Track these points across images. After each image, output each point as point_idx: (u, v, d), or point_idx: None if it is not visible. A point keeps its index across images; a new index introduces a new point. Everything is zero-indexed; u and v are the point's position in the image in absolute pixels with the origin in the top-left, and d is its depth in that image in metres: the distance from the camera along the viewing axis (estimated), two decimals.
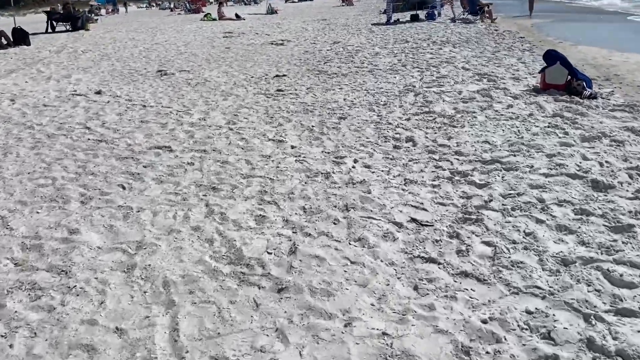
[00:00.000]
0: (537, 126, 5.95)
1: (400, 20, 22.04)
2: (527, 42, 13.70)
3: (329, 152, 5.58)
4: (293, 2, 64.06)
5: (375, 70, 10.08)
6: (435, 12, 21.98)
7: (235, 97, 8.53)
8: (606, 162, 4.78)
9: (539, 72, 7.35)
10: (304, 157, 5.46)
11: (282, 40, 16.47)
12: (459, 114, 6.64)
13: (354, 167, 5.08)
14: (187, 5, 39.73)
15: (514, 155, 5.11)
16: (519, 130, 5.83)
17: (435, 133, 6.06)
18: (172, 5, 46.18)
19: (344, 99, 7.93)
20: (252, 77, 10.39)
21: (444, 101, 7.31)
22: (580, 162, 4.81)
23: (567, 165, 4.74)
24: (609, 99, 6.97)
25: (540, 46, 12.92)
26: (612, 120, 6.06)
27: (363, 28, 19.76)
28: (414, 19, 21.54)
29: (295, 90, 8.84)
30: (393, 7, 26.92)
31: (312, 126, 6.59)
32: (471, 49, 12.37)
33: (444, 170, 4.93)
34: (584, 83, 7.09)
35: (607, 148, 5.17)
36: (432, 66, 10.03)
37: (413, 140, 5.81)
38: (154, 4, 59.62)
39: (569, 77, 7.13)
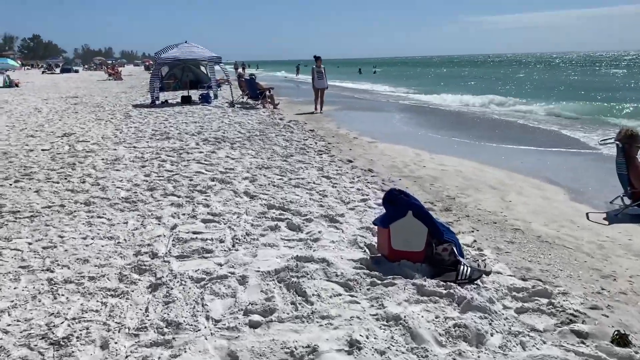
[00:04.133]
0: None
1: (169, 101, 18.29)
2: (320, 139, 11.04)
3: None
4: (52, 73, 56.31)
5: (91, 201, 5.83)
6: (211, 94, 18.79)
7: None
8: None
9: (381, 227, 4.08)
10: None
11: None
12: None
13: None
14: None
15: None
16: None
17: None
18: None
19: None
20: None
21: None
22: None
23: None
24: (496, 282, 3.97)
25: (337, 145, 10.26)
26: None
27: (119, 111, 15.42)
28: (186, 100, 18.02)
29: None
30: (161, 85, 23.25)
31: None
32: (255, 151, 9.08)
33: None
34: (454, 247, 4.02)
35: None
36: (196, 190, 6.25)
37: None
38: None
39: (429, 237, 4.00)
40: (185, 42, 19.10)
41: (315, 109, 16.98)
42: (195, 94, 19.25)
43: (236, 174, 7.19)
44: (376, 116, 17.61)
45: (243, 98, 18.94)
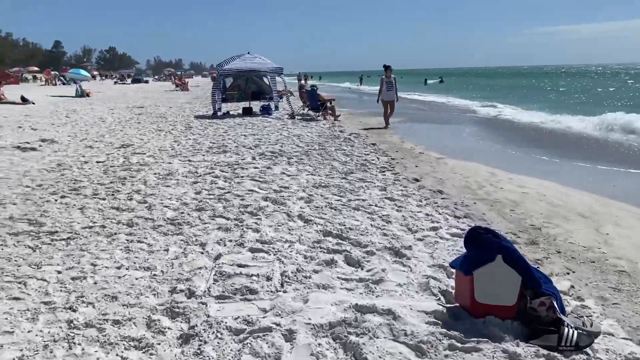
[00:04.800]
0: None
1: (231, 112, 18.12)
2: (382, 154, 10.31)
3: None
4: (124, 83, 58.64)
5: (135, 222, 5.37)
6: (272, 106, 18.47)
7: None
8: None
9: (462, 273, 3.31)
10: None
11: (41, 140, 11.19)
12: None
13: None
14: None
15: None
16: None
17: None
18: None
19: None
20: None
21: None
22: None
23: None
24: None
25: (401, 161, 9.49)
26: None
27: (181, 122, 15.33)
28: (247, 112, 17.78)
29: None
30: (225, 96, 23.26)
31: None
32: (313, 167, 8.47)
33: None
34: (554, 301, 3.19)
35: None
36: (246, 212, 5.69)
37: None
38: None
39: (523, 288, 3.20)
40: (248, 53, 18.93)
41: (387, 123, 15.80)
42: (256, 105, 19.01)
43: (291, 193, 6.59)
44: (443, 129, 16.68)
45: (304, 109, 18.51)
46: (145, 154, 9.62)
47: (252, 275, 3.84)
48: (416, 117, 19.19)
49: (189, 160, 8.90)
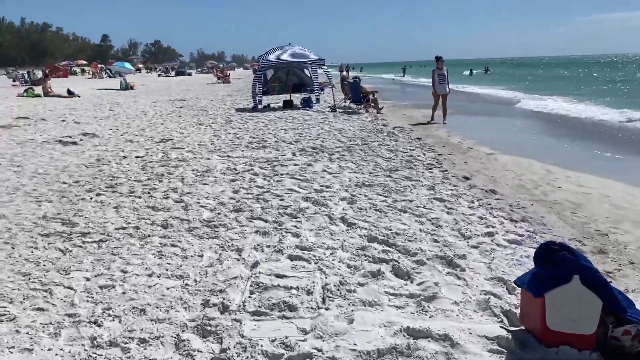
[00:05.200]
0: None
1: (272, 105, 17.88)
2: (428, 149, 9.82)
3: None
4: (168, 76, 59.52)
5: (170, 223, 5.12)
6: (313, 98, 18.12)
7: None
8: None
9: (531, 293, 2.86)
10: None
11: (83, 134, 11.19)
12: None
13: None
14: (27, 76, 33.17)
15: None
16: None
17: None
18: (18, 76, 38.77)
19: None
20: None
21: None
22: None
23: None
24: None
25: (449, 157, 8.98)
26: None
27: (221, 115, 15.18)
28: (288, 105, 17.49)
29: None
30: (265, 88, 23.07)
31: None
32: (355, 164, 8.09)
33: None
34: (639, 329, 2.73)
35: None
36: (286, 214, 5.36)
37: None
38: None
39: (605, 314, 2.74)
40: (289, 44, 18.63)
41: (432, 118, 14.65)
42: (297, 98, 18.71)
43: (333, 193, 6.22)
44: (492, 122, 15.95)
45: (345, 102, 18.09)
46: (184, 149, 9.45)
47: (291, 287, 3.51)
48: (462, 110, 18.42)
49: (228, 156, 8.66)
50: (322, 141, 10.21)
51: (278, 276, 3.72)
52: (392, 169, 7.75)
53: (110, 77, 44.72)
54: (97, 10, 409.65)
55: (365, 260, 4.11)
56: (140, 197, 6.00)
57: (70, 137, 10.59)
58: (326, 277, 3.72)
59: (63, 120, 13.54)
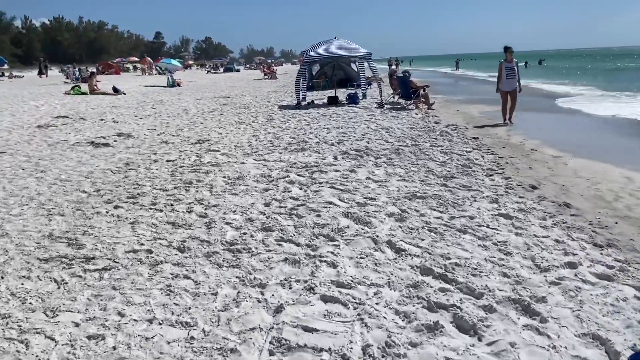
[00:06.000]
0: None
1: (316, 102, 17.12)
2: (487, 150, 8.80)
3: None
4: (216, 72, 59.80)
5: (187, 246, 4.42)
6: (359, 94, 17.23)
7: None
8: None
9: None
10: None
11: (118, 134, 10.75)
12: None
13: None
14: (77, 73, 33.75)
15: None
16: None
17: None
18: (69, 72, 39.70)
19: None
20: None
21: None
22: None
23: None
24: None
25: (511, 161, 7.95)
26: None
27: (263, 113, 14.54)
28: (332, 101, 16.68)
29: None
30: (311, 84, 22.36)
31: None
32: (404, 169, 7.21)
33: None
34: None
35: None
36: (322, 235, 4.56)
37: None
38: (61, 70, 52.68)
39: None
40: (335, 38, 17.80)
41: (505, 119, 12.62)
42: (343, 94, 17.86)
43: (378, 206, 5.38)
44: (556, 120, 14.60)
45: (394, 97, 17.10)
46: (219, 151, 8.81)
47: (321, 349, 2.71)
48: (521, 105, 17.01)
49: (264, 160, 7.94)
50: (368, 142, 9.35)
51: (306, 330, 2.92)
52: (447, 176, 6.82)
53: (160, 74, 45.12)
54: (151, 7, 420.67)
55: (419, 304, 3.26)
56: (161, 211, 5.34)
57: (104, 137, 10.17)
58: (368, 332, 2.90)
59: (102, 119, 13.22)
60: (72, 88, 21.85)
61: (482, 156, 8.36)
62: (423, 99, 15.56)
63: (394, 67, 26.86)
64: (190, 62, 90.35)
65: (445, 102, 18.29)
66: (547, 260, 4.08)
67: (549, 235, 4.69)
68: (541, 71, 48.89)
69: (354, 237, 4.47)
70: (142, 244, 4.38)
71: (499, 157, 8.33)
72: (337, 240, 4.40)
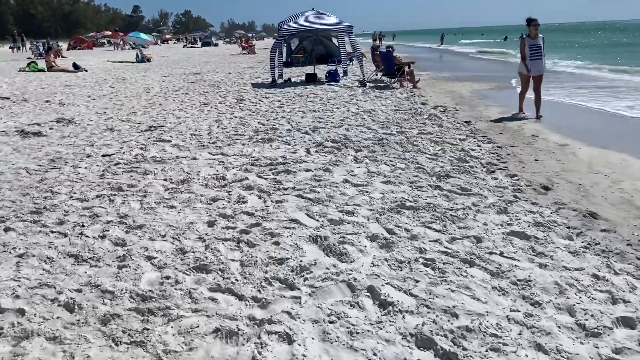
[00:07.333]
0: None
1: (293, 79, 15.67)
2: (482, 137, 7.58)
3: None
4: (193, 47, 57.48)
5: (59, 332, 3.09)
6: (339, 71, 15.81)
7: None
8: None
9: None
10: None
11: (57, 120, 9.25)
12: None
13: None
14: (40, 48, 31.61)
15: None
16: None
17: None
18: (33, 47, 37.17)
19: None
20: None
21: None
22: None
23: None
24: None
25: (512, 150, 6.73)
26: None
27: (233, 93, 13.08)
28: (311, 79, 15.26)
29: None
30: (289, 59, 20.84)
31: None
32: (390, 166, 5.92)
33: None
34: None
35: None
36: (277, 278, 3.24)
37: None
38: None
39: None
40: (312, 9, 16.25)
41: (520, 109, 9.85)
42: (323, 71, 16.39)
43: (357, 225, 4.09)
44: (556, 97, 13.26)
45: (377, 75, 15.73)
46: (170, 141, 7.42)
47: None
48: (504, 82, 15.73)
49: (222, 154, 6.59)
50: (347, 129, 8.03)
51: None
52: (440, 174, 5.57)
53: (133, 48, 42.74)
54: None
55: None
56: (66, 235, 3.98)
57: (39, 125, 8.66)
58: None
59: (47, 101, 11.63)
60: (28, 65, 20.00)
61: (479, 145, 7.14)
62: (408, 77, 14.22)
63: (377, 42, 25.34)
64: (168, 36, 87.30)
65: (432, 80, 16.96)
66: (592, 315, 2.87)
67: (583, 267, 3.47)
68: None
69: (323, 281, 3.17)
70: (17, 297, 3.02)
71: (498, 147, 7.12)
72: (298, 288, 3.10)
